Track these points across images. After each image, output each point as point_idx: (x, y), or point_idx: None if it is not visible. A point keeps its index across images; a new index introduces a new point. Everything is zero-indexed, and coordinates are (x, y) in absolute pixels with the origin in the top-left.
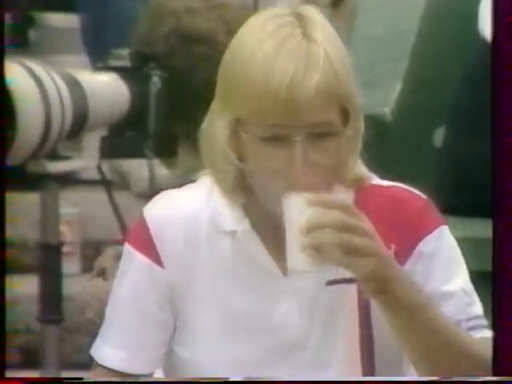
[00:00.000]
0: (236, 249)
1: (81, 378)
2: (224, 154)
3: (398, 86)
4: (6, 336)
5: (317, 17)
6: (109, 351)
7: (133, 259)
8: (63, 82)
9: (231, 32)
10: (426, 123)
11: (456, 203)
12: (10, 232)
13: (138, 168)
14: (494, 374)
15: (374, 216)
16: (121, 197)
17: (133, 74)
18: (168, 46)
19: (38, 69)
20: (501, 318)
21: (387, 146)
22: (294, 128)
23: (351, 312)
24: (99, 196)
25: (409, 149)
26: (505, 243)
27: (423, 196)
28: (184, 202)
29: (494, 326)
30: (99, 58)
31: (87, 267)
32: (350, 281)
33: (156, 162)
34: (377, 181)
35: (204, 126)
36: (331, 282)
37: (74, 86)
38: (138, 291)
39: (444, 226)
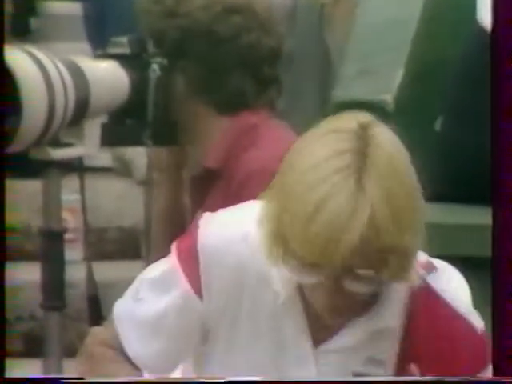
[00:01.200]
0: (277, 307)
1: (81, 378)
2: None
3: (400, 74)
4: (5, 335)
5: (382, 152)
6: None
7: (176, 279)
8: (65, 68)
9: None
10: (429, 110)
11: (457, 190)
12: (13, 219)
13: (140, 155)
14: (494, 374)
15: (426, 335)
16: (123, 184)
17: (133, 61)
18: (210, 15)
19: (41, 55)
20: (500, 304)
21: None
22: (330, 267)
23: None
24: (102, 183)
25: (411, 136)
26: (504, 230)
27: (479, 328)
28: (236, 240)
29: (494, 314)
30: (101, 45)
31: (89, 254)
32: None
33: (155, 149)
34: (433, 280)
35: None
36: (359, 375)
37: (76, 72)
38: (168, 313)
39: (489, 365)
